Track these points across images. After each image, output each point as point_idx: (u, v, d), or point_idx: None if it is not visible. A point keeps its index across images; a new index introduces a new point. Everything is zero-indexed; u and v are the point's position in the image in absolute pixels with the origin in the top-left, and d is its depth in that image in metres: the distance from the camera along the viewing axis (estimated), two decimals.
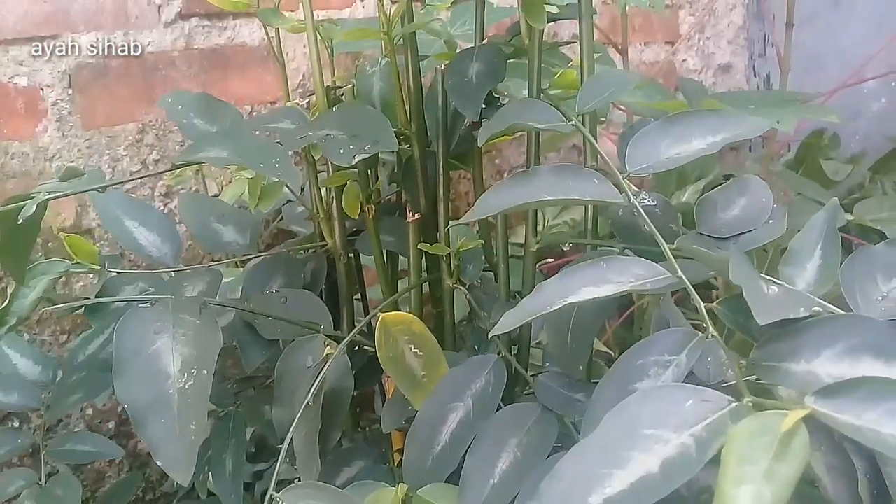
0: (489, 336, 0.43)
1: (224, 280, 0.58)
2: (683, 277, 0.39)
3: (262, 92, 1.11)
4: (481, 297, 0.56)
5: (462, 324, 0.64)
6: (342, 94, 0.68)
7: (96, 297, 0.54)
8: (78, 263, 0.58)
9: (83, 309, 0.55)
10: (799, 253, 0.47)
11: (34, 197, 0.48)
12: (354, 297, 0.65)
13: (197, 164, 0.55)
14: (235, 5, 0.62)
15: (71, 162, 0.97)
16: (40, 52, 0.94)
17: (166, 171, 0.51)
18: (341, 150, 0.50)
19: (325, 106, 0.58)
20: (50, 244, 0.97)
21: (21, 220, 0.46)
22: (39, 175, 0.95)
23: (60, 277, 0.56)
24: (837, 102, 1.52)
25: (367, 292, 0.66)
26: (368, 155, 0.49)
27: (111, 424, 1.00)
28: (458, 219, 0.48)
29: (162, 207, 1.05)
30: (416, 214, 0.57)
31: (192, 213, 0.62)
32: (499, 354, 0.51)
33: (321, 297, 0.62)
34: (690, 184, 1.31)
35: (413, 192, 0.58)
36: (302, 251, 0.63)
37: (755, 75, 1.68)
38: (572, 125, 0.47)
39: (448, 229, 0.54)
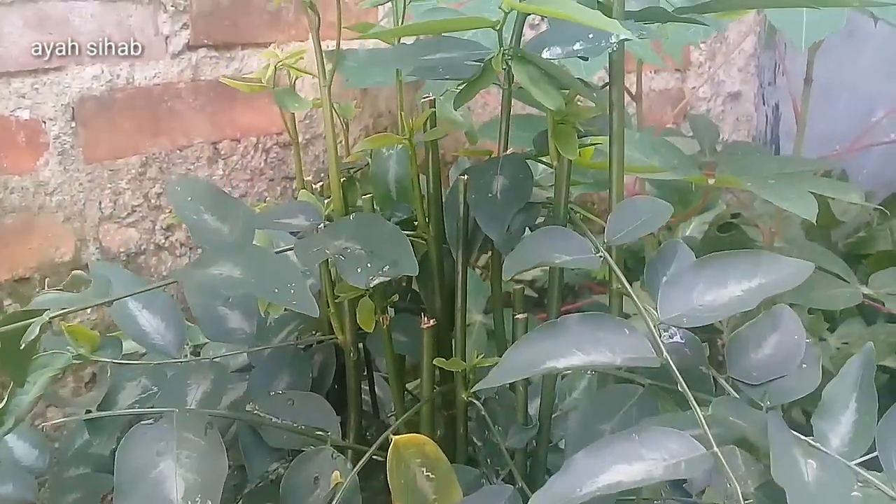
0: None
1: None
2: (718, 453, 0.38)
3: (269, 123, 1.09)
4: (496, 411, 0.54)
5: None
6: (356, 172, 0.66)
7: (98, 408, 0.52)
8: (80, 355, 0.56)
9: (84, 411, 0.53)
10: (833, 404, 0.45)
11: (37, 314, 0.46)
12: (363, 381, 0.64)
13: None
14: (252, 88, 0.60)
15: (71, 196, 0.94)
16: (43, 85, 0.91)
17: (169, 282, 0.49)
18: (359, 270, 0.48)
19: (339, 196, 0.56)
20: (48, 279, 0.95)
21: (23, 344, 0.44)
22: (39, 210, 0.93)
23: (59, 374, 0.54)
24: (846, 137, 1.51)
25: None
26: (386, 278, 0.47)
27: None
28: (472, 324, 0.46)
29: (163, 241, 1.02)
30: (431, 320, 0.55)
31: (197, 294, 0.60)
32: (511, 469, 0.49)
33: (331, 388, 0.60)
34: (695, 209, 1.29)
35: (428, 295, 0.56)
36: (311, 342, 0.61)
37: (764, 103, 1.66)
38: (600, 257, 0.46)
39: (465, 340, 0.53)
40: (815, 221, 0.68)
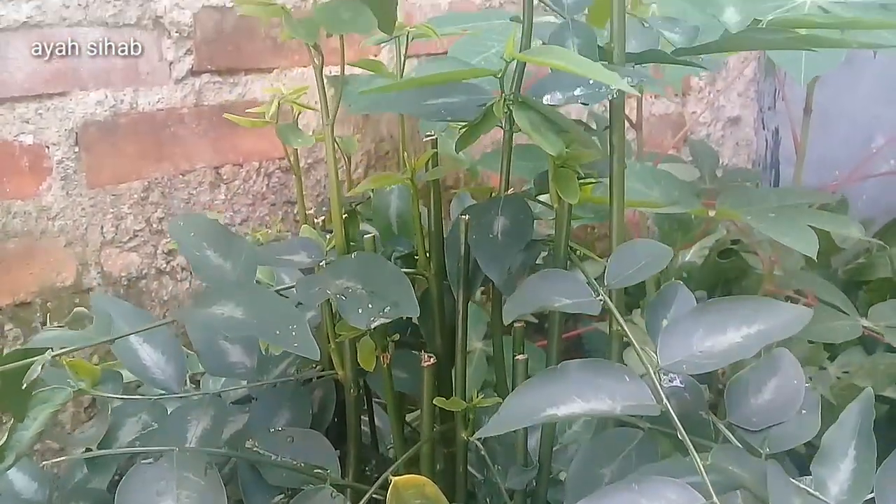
0: None
1: None
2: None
3: (272, 148, 1.09)
4: (496, 450, 0.54)
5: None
6: (357, 205, 0.66)
7: (99, 445, 0.52)
8: (80, 390, 0.56)
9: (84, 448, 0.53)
10: (832, 451, 0.45)
11: (39, 353, 0.46)
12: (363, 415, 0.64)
13: None
14: (255, 124, 0.60)
15: (74, 221, 0.95)
16: (47, 110, 0.91)
17: (170, 320, 0.49)
18: (360, 310, 0.48)
19: (341, 233, 0.56)
20: (49, 304, 0.95)
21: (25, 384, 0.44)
22: (41, 234, 0.93)
23: (60, 409, 0.54)
24: (845, 162, 1.51)
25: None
26: (388, 320, 0.47)
27: None
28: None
29: (165, 266, 1.03)
30: (431, 358, 0.55)
31: (199, 328, 0.60)
32: None
33: (331, 422, 0.60)
34: (695, 235, 1.29)
35: (429, 332, 0.56)
36: (311, 376, 0.61)
37: (764, 128, 1.66)
38: (600, 301, 0.46)
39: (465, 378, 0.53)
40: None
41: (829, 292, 0.90)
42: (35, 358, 0.46)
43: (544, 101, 0.45)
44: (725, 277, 1.26)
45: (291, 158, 0.63)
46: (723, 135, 1.58)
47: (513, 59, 0.43)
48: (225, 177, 1.06)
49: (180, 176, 1.02)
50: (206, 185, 1.04)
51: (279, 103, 0.58)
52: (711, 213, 0.80)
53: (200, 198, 1.04)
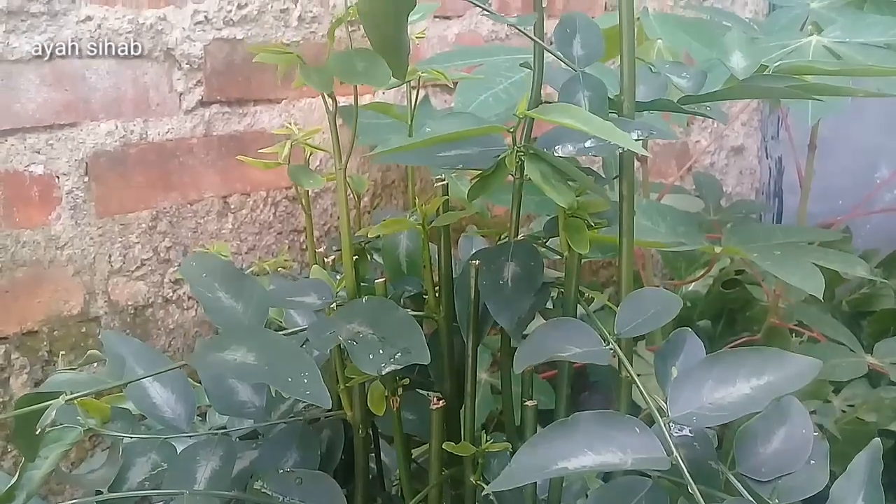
0: None
1: None
2: None
3: (279, 177, 1.10)
4: (505, 495, 0.54)
5: None
6: (366, 244, 0.67)
7: (110, 488, 0.53)
8: (91, 429, 0.56)
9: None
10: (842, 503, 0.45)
11: (52, 397, 0.46)
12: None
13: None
14: (268, 166, 0.61)
15: (82, 250, 0.95)
16: (58, 141, 0.92)
17: (182, 364, 0.50)
18: (371, 356, 0.48)
19: (352, 276, 0.57)
20: (56, 332, 0.95)
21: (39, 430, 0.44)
22: (50, 263, 0.93)
23: (70, 449, 0.54)
24: (849, 192, 1.52)
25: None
26: (399, 367, 0.47)
27: None
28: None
29: (171, 294, 1.03)
30: (440, 401, 0.55)
31: (208, 366, 0.61)
32: None
33: (339, 462, 0.60)
34: (699, 265, 1.30)
35: (438, 374, 0.57)
36: (319, 415, 0.61)
37: (767, 157, 1.67)
38: (610, 350, 0.46)
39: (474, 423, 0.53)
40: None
41: (833, 328, 0.91)
42: (49, 402, 0.46)
43: (555, 153, 0.46)
44: (730, 307, 1.26)
45: (300, 189, 0.63)
46: (727, 163, 1.59)
47: (525, 117, 0.43)
48: (232, 206, 1.06)
49: (188, 205, 1.03)
50: (213, 214, 1.05)
51: (291, 145, 0.59)
52: (718, 250, 0.81)
53: (208, 227, 1.04)
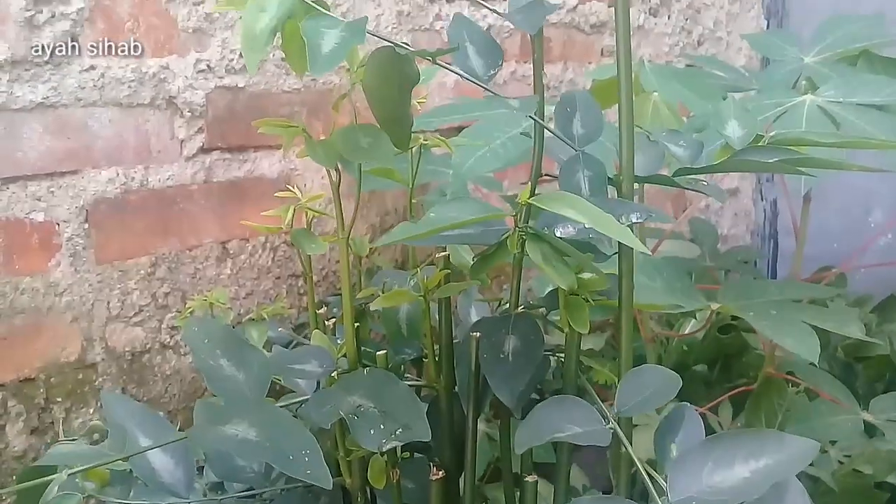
0: None
1: None
2: None
3: (278, 222, 1.10)
4: None
5: None
6: (366, 306, 0.67)
7: None
8: (91, 495, 0.56)
9: None
10: None
11: (53, 470, 0.46)
12: None
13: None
14: (270, 230, 0.62)
15: (81, 296, 0.95)
16: (59, 188, 0.93)
17: (183, 437, 0.50)
18: (371, 431, 0.48)
19: (353, 345, 0.57)
20: (53, 379, 0.95)
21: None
22: (48, 310, 0.94)
23: None
24: (843, 234, 1.53)
25: None
26: (399, 443, 0.47)
27: None
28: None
29: (168, 340, 1.03)
30: (440, 472, 0.55)
31: (210, 443, 0.60)
32: None
33: None
34: (702, 327, 1.30)
35: (438, 444, 0.57)
36: None
37: (762, 199, 1.69)
38: (611, 429, 0.47)
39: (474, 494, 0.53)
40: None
41: (828, 383, 0.91)
42: (51, 477, 0.46)
43: (556, 234, 0.47)
44: (726, 353, 1.27)
45: (304, 262, 0.64)
46: (721, 206, 1.60)
47: (527, 204, 0.44)
48: (231, 251, 1.07)
49: (187, 251, 1.03)
50: (212, 259, 1.05)
51: (294, 209, 0.59)
52: (714, 307, 0.81)
53: (207, 272, 1.05)
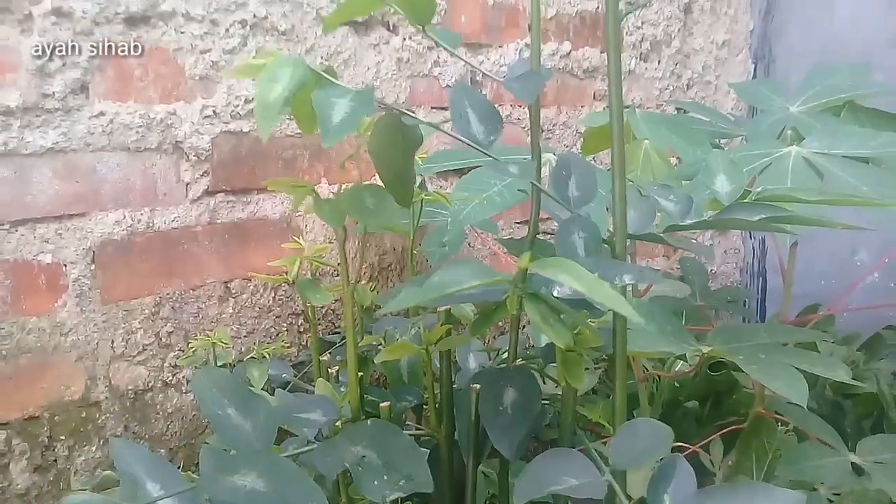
0: None
1: None
2: None
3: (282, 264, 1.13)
4: None
5: None
6: (368, 353, 0.69)
7: None
8: None
9: None
10: None
11: None
12: None
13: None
14: (277, 281, 0.64)
15: (86, 336, 0.97)
16: (67, 230, 0.95)
17: (192, 486, 0.52)
18: (375, 482, 0.50)
19: (357, 395, 0.59)
20: (57, 418, 0.96)
21: None
22: (54, 350, 0.95)
23: None
24: (831, 274, 1.56)
25: None
26: (402, 494, 0.50)
27: None
28: None
29: (171, 378, 1.05)
30: None
31: (218, 493, 0.62)
32: None
33: None
34: (693, 369, 1.32)
35: (438, 492, 0.59)
36: None
37: (751, 237, 1.72)
38: (606, 482, 0.49)
39: None
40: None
41: (816, 425, 0.93)
42: None
43: (554, 294, 0.49)
44: (717, 390, 1.29)
45: (309, 311, 0.66)
46: (712, 243, 1.63)
47: (526, 270, 0.47)
48: (234, 291, 1.09)
49: (191, 290, 1.05)
50: (215, 299, 1.07)
51: (301, 262, 0.62)
52: (706, 350, 0.84)
53: (209, 311, 1.07)
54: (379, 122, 0.53)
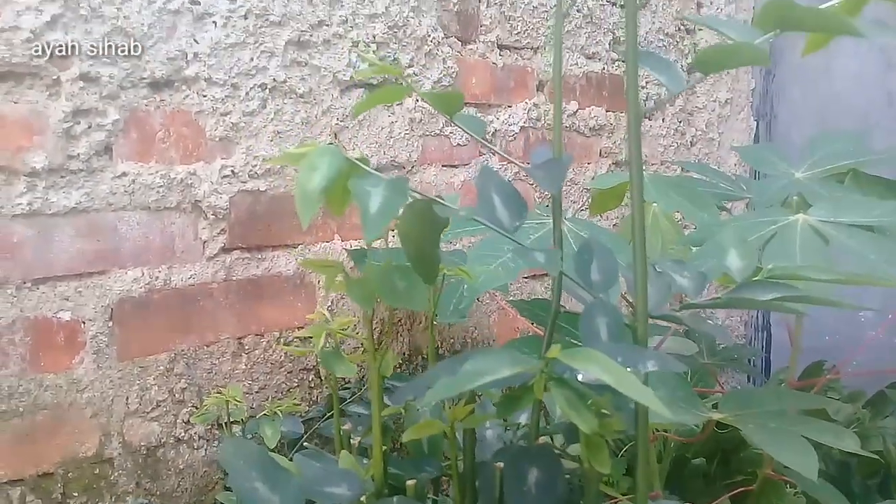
0: None
1: None
2: None
3: (292, 318, 1.14)
4: None
5: None
6: (387, 420, 0.70)
7: None
8: None
9: None
10: None
11: None
12: None
13: None
14: (302, 353, 0.65)
15: (101, 392, 0.98)
16: (87, 288, 0.96)
17: None
18: None
19: (380, 469, 0.61)
20: (70, 474, 0.97)
21: None
22: (70, 406, 0.96)
23: None
24: (836, 328, 1.58)
25: None
26: None
27: None
28: None
29: (183, 434, 1.05)
30: None
31: None
32: None
33: None
34: (701, 436, 1.33)
35: None
36: None
37: None
38: None
39: None
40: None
41: (824, 490, 0.94)
42: None
43: (579, 379, 0.51)
44: (724, 447, 1.29)
45: (333, 388, 0.67)
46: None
47: (554, 360, 0.49)
48: (247, 346, 1.10)
49: (205, 346, 1.06)
50: (228, 354, 1.08)
51: (326, 335, 0.63)
52: (716, 417, 0.85)
53: (222, 367, 1.08)
54: (409, 206, 0.55)
